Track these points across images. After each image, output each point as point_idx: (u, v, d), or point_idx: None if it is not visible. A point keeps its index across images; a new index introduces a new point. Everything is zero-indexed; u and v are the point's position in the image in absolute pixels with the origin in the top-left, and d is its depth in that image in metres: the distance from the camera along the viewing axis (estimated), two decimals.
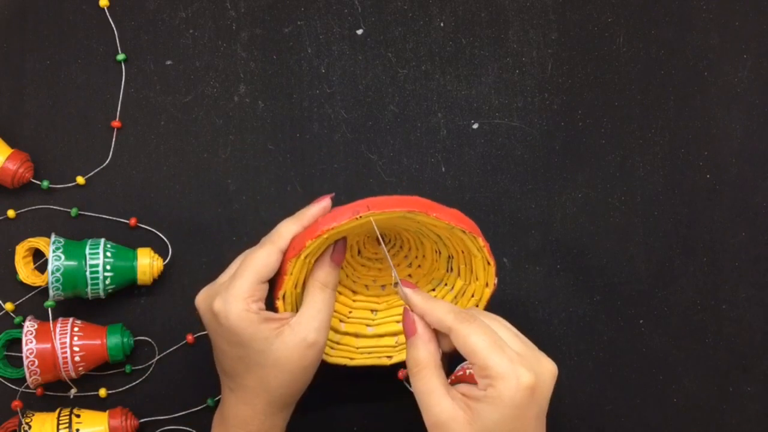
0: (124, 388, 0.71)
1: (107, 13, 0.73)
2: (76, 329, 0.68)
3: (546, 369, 0.53)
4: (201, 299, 0.59)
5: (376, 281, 0.68)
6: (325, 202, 0.59)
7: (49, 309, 0.68)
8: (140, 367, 0.71)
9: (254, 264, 0.57)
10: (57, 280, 0.67)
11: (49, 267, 0.67)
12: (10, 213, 0.71)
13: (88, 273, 0.67)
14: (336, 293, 0.63)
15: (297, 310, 0.60)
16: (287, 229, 0.58)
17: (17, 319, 0.70)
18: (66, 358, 0.67)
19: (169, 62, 0.73)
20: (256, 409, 0.59)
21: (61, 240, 0.68)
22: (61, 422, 0.67)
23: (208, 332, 0.60)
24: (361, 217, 0.55)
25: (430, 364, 0.54)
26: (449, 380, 0.66)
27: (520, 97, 0.73)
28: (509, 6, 0.74)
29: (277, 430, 0.60)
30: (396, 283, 0.58)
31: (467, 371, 0.55)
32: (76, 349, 0.67)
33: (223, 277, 0.60)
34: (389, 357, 0.67)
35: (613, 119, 0.73)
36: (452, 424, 0.52)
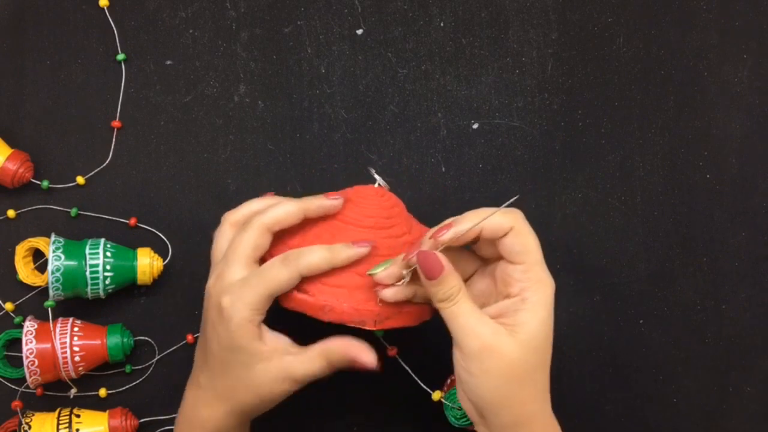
0: (124, 388, 0.71)
1: (107, 13, 0.73)
2: (76, 329, 0.68)
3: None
4: (213, 287, 0.57)
5: None
6: (363, 249, 0.57)
7: (49, 309, 0.68)
8: (140, 367, 0.71)
9: (271, 281, 0.56)
10: (57, 280, 0.67)
11: (49, 267, 0.67)
12: (10, 213, 0.71)
13: (88, 273, 0.67)
14: None
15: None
16: (318, 261, 0.56)
17: (17, 319, 0.70)
18: (66, 358, 0.67)
19: (169, 62, 0.73)
20: (216, 414, 0.58)
21: (61, 240, 0.68)
22: (61, 422, 0.67)
23: (204, 320, 0.59)
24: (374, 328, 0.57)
25: (464, 289, 0.54)
26: (446, 383, 0.66)
27: (520, 97, 0.73)
28: (509, 6, 0.74)
29: None
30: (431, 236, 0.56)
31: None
32: (76, 349, 0.67)
33: (233, 270, 0.57)
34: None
35: (613, 119, 0.73)
36: (499, 342, 0.52)
